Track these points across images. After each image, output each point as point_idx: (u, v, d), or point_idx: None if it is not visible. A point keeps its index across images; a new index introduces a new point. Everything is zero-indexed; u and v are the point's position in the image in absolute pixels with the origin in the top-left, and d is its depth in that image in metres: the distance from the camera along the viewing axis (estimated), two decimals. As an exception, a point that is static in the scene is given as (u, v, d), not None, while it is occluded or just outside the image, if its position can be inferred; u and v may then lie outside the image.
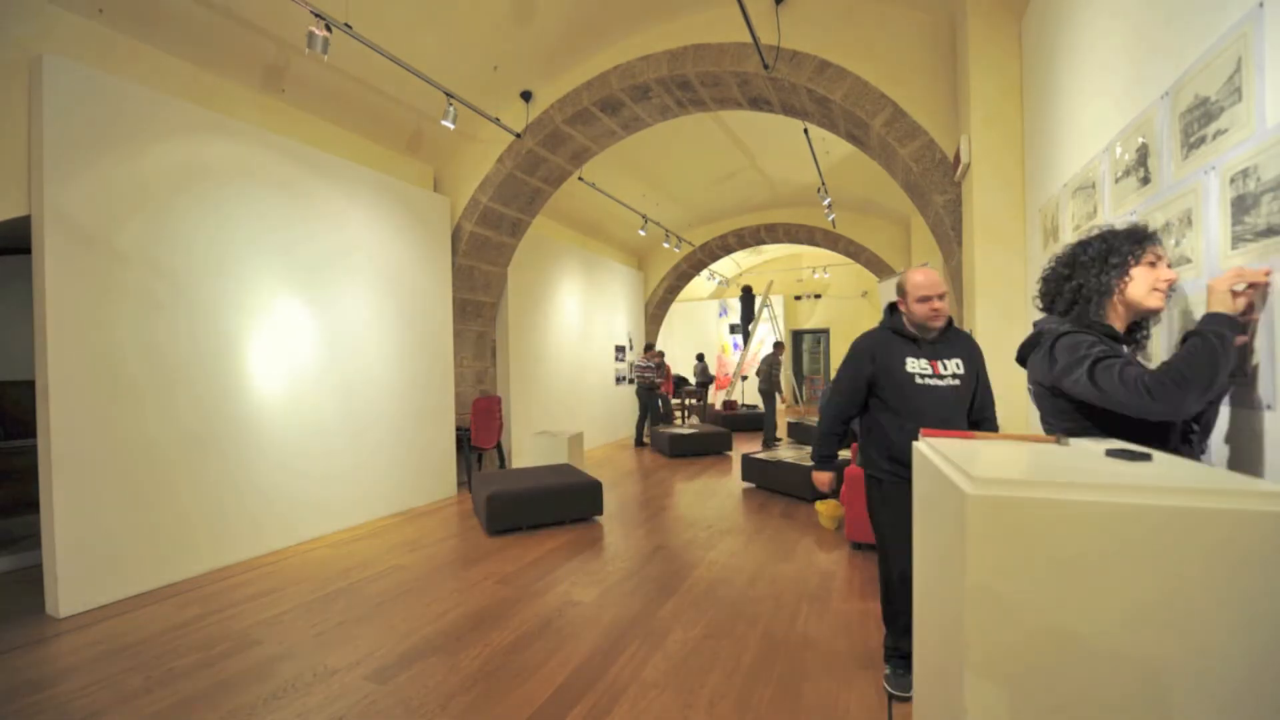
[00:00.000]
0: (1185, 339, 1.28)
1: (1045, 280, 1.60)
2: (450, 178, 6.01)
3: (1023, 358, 1.62)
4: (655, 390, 8.96)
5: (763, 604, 3.03)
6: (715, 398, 13.50)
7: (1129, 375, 1.26)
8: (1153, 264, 1.40)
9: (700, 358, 12.65)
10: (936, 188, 4.00)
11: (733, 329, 14.60)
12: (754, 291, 13.55)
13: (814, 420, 8.86)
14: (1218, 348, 1.19)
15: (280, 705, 2.19)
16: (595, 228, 9.28)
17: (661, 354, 9.55)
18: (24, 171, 3.02)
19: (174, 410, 3.49)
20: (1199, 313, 1.51)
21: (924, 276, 2.15)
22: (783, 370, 7.76)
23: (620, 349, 10.07)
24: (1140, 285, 1.40)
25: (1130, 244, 1.41)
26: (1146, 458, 1.05)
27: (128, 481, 3.26)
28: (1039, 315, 1.64)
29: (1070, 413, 1.45)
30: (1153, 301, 1.41)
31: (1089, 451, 1.17)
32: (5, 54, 2.99)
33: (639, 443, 9.12)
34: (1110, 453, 1.10)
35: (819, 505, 4.40)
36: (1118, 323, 1.46)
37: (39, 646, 2.69)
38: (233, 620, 2.94)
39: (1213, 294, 1.28)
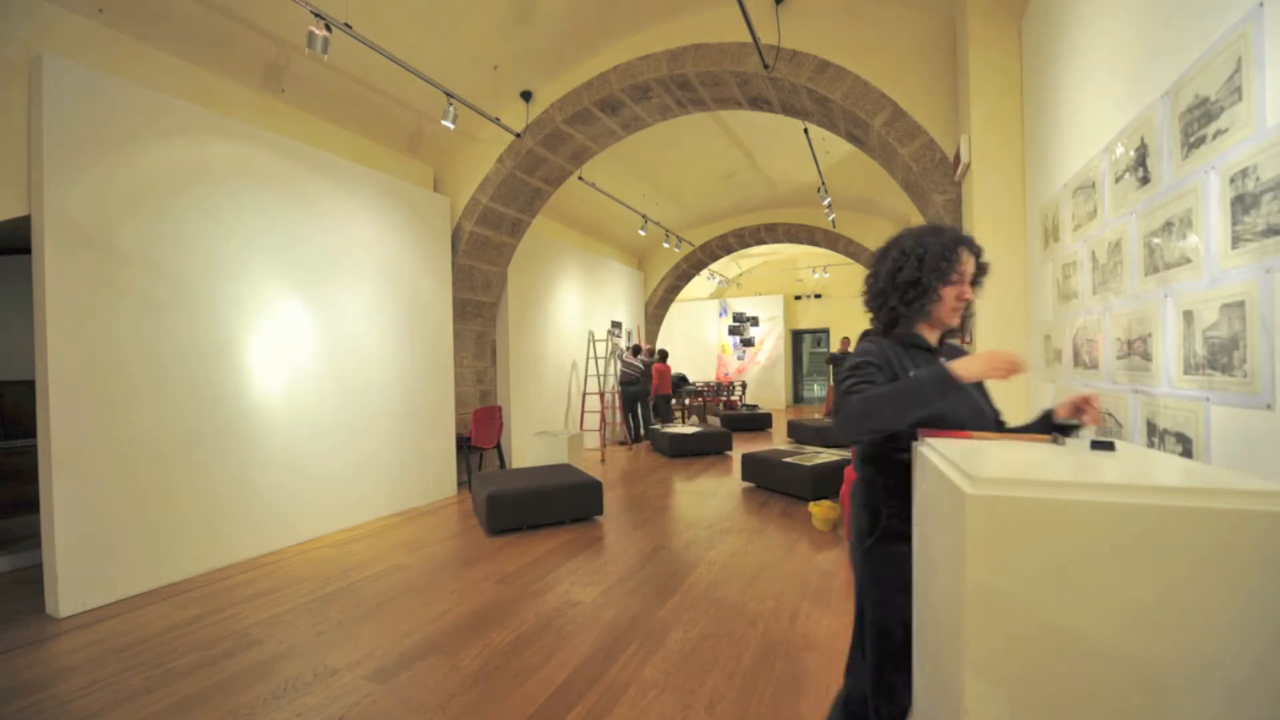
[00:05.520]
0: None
1: (867, 293, 1.53)
2: (450, 178, 6.01)
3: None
4: (634, 388, 8.79)
5: (763, 604, 3.03)
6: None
7: (847, 402, 1.27)
8: (957, 281, 1.40)
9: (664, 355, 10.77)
10: (936, 187, 4.00)
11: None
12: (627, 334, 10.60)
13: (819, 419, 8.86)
14: (910, 390, 1.20)
15: (280, 705, 2.19)
16: (595, 228, 9.27)
17: (653, 352, 9.50)
18: (24, 171, 3.02)
19: (174, 410, 3.49)
20: (1200, 311, 1.51)
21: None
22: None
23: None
24: (945, 306, 1.41)
25: (939, 263, 1.38)
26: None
27: (128, 481, 3.26)
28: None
29: None
30: (953, 320, 1.44)
31: (1090, 451, 1.17)
32: (5, 53, 2.99)
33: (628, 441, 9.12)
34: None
35: (812, 507, 4.39)
36: (931, 336, 1.46)
37: (39, 646, 2.69)
38: (233, 620, 2.94)
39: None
